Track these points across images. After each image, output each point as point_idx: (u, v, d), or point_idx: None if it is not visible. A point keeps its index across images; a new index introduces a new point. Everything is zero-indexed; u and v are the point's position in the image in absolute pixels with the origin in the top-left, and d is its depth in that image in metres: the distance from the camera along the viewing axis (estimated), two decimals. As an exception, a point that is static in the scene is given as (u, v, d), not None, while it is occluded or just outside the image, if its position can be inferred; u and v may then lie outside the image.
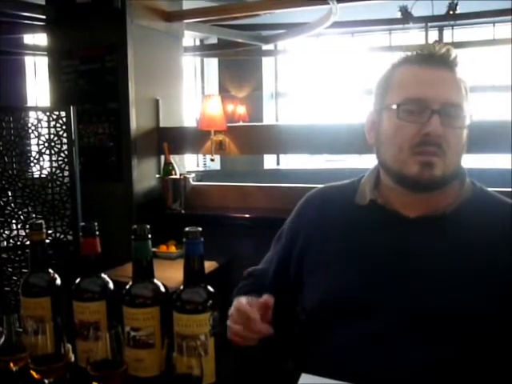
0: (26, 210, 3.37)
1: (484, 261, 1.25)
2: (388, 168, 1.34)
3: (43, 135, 3.37)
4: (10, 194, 3.37)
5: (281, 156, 9.51)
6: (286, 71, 10.75)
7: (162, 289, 1.15)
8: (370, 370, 1.24)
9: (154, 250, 1.16)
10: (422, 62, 1.30)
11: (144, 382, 1.12)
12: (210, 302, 1.08)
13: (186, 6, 4.38)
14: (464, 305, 1.22)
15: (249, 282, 1.59)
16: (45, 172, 3.42)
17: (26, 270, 3.29)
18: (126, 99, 3.67)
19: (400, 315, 1.25)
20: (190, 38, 8.22)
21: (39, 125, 3.37)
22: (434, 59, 1.29)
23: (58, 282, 1.29)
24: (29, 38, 7.12)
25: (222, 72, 10.13)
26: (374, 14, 7.15)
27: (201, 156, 8.55)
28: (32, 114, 3.41)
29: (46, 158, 3.40)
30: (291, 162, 9.49)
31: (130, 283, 1.14)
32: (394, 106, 1.28)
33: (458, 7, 6.40)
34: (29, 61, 8.21)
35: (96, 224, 1.21)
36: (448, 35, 9.15)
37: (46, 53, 4.08)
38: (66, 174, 3.40)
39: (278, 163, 9.70)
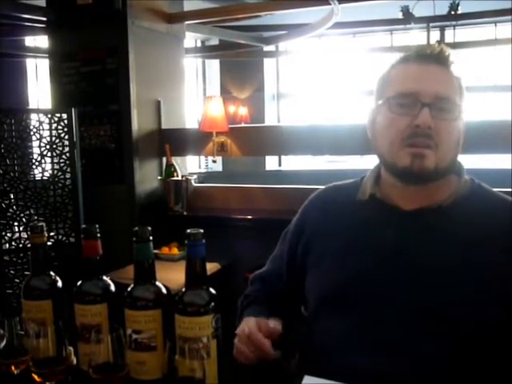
0: (27, 212, 3.37)
1: (478, 255, 1.27)
2: (384, 161, 1.38)
3: (45, 137, 3.38)
4: (11, 196, 3.37)
5: (282, 157, 9.50)
6: (287, 72, 10.75)
7: (164, 291, 1.14)
8: (360, 362, 1.27)
9: (155, 251, 1.16)
10: (416, 59, 1.34)
11: (146, 385, 1.11)
12: (212, 304, 1.07)
13: (187, 7, 4.37)
14: (456, 298, 1.24)
15: (255, 288, 1.61)
16: (46, 174, 3.43)
17: (27, 273, 3.28)
18: (128, 101, 3.66)
19: (396, 307, 1.27)
20: (191, 39, 8.23)
21: (41, 127, 3.37)
22: (428, 57, 1.34)
23: (60, 284, 1.29)
24: (30, 41, 7.13)
25: (224, 73, 10.14)
26: (376, 14, 7.14)
27: (203, 157, 8.56)
28: (33, 117, 3.42)
29: (48, 160, 3.40)
30: (293, 163, 9.48)
31: (132, 285, 1.13)
32: (388, 100, 1.33)
33: (459, 7, 6.39)
34: (30, 63, 8.22)
35: (97, 226, 1.20)
36: (450, 35, 9.14)
37: (47, 55, 4.08)
38: (68, 176, 3.40)
39: (279, 164, 9.70)
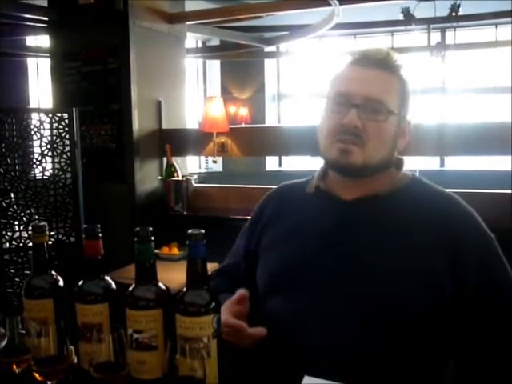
0: (28, 211, 3.37)
1: (409, 240, 1.35)
2: (321, 155, 1.49)
3: (46, 137, 3.38)
4: (12, 195, 3.38)
5: (283, 157, 9.51)
6: (288, 73, 10.75)
7: (165, 291, 1.14)
8: (304, 344, 1.33)
9: (156, 251, 1.16)
10: (361, 62, 1.42)
11: (146, 385, 1.11)
12: (213, 304, 1.07)
13: (189, 7, 4.38)
14: (387, 281, 1.32)
15: (215, 281, 1.66)
16: (47, 173, 3.43)
17: (28, 272, 3.29)
18: (129, 101, 3.67)
19: (332, 291, 1.35)
20: (192, 39, 8.23)
21: (42, 126, 3.38)
22: (370, 60, 1.41)
23: (61, 283, 1.29)
24: (31, 40, 7.14)
25: (225, 74, 10.14)
26: (377, 15, 7.14)
27: (203, 158, 8.57)
28: (34, 116, 3.42)
29: (49, 159, 3.41)
30: (293, 163, 9.48)
31: (133, 285, 1.14)
32: (328, 99, 1.45)
33: (460, 9, 6.40)
34: (31, 62, 8.23)
35: (99, 226, 1.21)
36: (450, 37, 9.15)
37: (48, 54, 4.09)
38: (69, 175, 3.41)
39: (280, 165, 9.71)
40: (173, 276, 2.36)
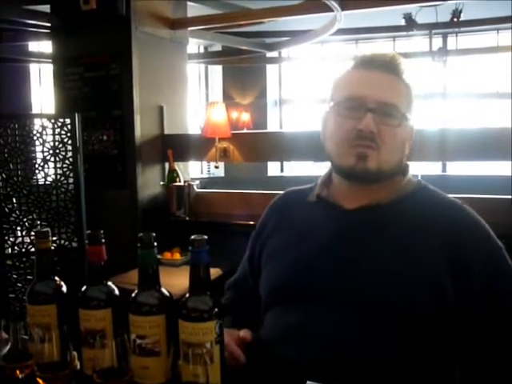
0: (30, 217, 3.38)
1: (414, 250, 1.33)
2: (332, 161, 1.46)
3: (48, 142, 3.39)
4: (14, 200, 3.38)
5: (284, 163, 9.51)
6: (290, 78, 10.76)
7: (168, 296, 1.15)
8: (300, 355, 1.31)
9: (158, 257, 1.16)
10: (365, 66, 1.39)
11: (150, 390, 1.11)
12: (216, 310, 1.08)
13: (191, 13, 4.39)
14: (389, 288, 1.30)
15: (227, 296, 1.68)
16: (49, 179, 3.44)
17: (30, 277, 3.29)
18: (131, 106, 3.68)
19: (335, 301, 1.33)
20: (194, 45, 8.24)
21: (44, 132, 3.38)
22: (377, 64, 1.38)
23: (64, 289, 1.29)
24: (34, 46, 7.16)
25: (226, 79, 10.15)
26: (378, 21, 7.15)
27: (205, 163, 8.56)
28: (37, 121, 3.43)
29: (51, 165, 3.41)
30: (295, 169, 9.48)
31: (136, 291, 1.14)
32: (337, 104, 1.41)
33: (461, 14, 6.40)
34: (34, 68, 8.24)
35: (102, 232, 1.21)
36: (452, 42, 9.15)
37: (50, 60, 4.10)
38: (71, 181, 3.41)
39: (281, 170, 9.70)
40: (175, 281, 2.36)
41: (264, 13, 4.44)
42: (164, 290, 1.15)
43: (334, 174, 1.49)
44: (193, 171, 4.74)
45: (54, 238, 3.38)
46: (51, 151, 3.39)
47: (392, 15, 6.58)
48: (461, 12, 6.37)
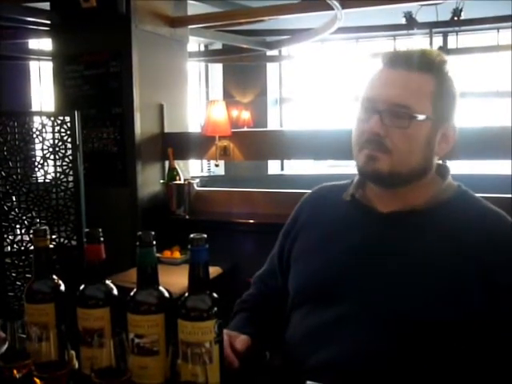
0: (30, 214, 3.37)
1: (445, 262, 1.27)
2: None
3: (47, 140, 3.39)
4: (14, 198, 3.38)
5: (285, 161, 9.51)
6: (290, 77, 10.75)
7: (167, 296, 1.14)
8: (322, 356, 1.29)
9: (157, 255, 1.15)
10: (389, 64, 1.34)
11: (148, 390, 1.11)
12: (215, 309, 1.07)
13: (191, 11, 4.38)
14: (418, 300, 1.26)
15: (252, 290, 1.64)
16: (49, 177, 3.43)
17: (29, 275, 3.29)
18: (131, 104, 3.67)
19: (361, 306, 1.29)
20: (194, 43, 8.23)
21: (44, 130, 3.38)
22: (398, 61, 1.33)
23: (63, 288, 1.28)
24: (34, 43, 7.14)
25: (227, 77, 10.14)
26: (379, 19, 7.15)
27: (205, 161, 8.57)
28: (36, 119, 3.43)
29: (51, 162, 3.41)
30: (295, 167, 9.48)
31: (135, 290, 1.13)
32: (359, 105, 1.37)
33: (462, 13, 6.40)
34: (33, 66, 8.23)
35: (100, 230, 1.20)
36: (452, 41, 9.14)
37: (50, 58, 4.09)
38: (71, 179, 3.41)
39: (282, 168, 9.70)
40: (175, 280, 2.36)
41: (264, 11, 4.44)
42: (163, 289, 1.14)
43: None
44: (193, 169, 4.73)
45: (54, 237, 3.37)
46: (51, 149, 3.39)
47: (392, 14, 6.58)
48: (461, 11, 6.37)
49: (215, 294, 1.10)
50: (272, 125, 10.17)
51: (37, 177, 3.44)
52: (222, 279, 3.30)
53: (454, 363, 1.26)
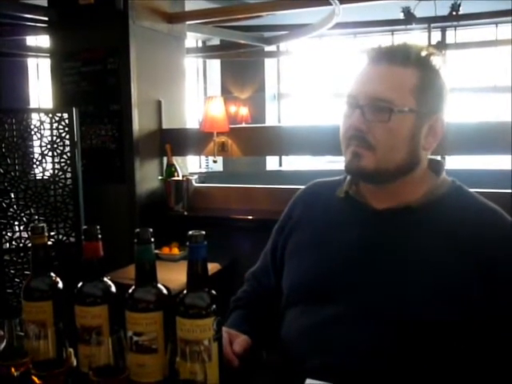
0: (28, 211, 3.37)
1: (443, 259, 1.26)
2: None
3: (46, 137, 3.38)
4: (12, 195, 3.37)
5: (283, 157, 9.50)
6: (288, 72, 10.74)
7: (165, 293, 1.13)
8: (314, 355, 1.29)
9: (156, 251, 1.14)
10: (372, 59, 1.33)
11: (147, 388, 1.10)
12: (214, 306, 1.06)
13: (188, 7, 4.37)
14: (414, 298, 1.25)
15: (246, 287, 1.64)
16: (47, 174, 3.43)
17: (28, 272, 3.28)
18: (129, 101, 3.66)
19: (357, 305, 1.29)
20: (192, 39, 8.21)
21: (42, 126, 3.37)
22: (380, 56, 1.32)
23: (60, 285, 1.28)
24: (31, 40, 7.13)
25: (225, 73, 10.13)
26: (377, 15, 7.14)
27: (203, 157, 8.56)
28: (34, 116, 3.42)
29: (49, 159, 3.40)
30: (293, 163, 9.48)
31: (133, 287, 1.13)
32: (342, 101, 1.36)
33: (460, 8, 6.39)
34: (31, 62, 8.21)
35: (98, 227, 1.19)
36: (451, 36, 9.14)
37: (48, 54, 4.08)
38: (69, 175, 3.41)
39: (280, 164, 9.70)
40: (173, 276, 2.36)
41: (262, 6, 4.42)
42: (161, 287, 1.13)
43: None
44: (191, 166, 4.73)
45: (52, 233, 3.37)
46: (49, 146, 3.38)
47: (390, 9, 6.58)
48: (459, 5, 6.37)
49: (214, 292, 1.10)
50: (270, 121, 10.17)
51: (35, 174, 3.43)
52: (221, 276, 3.30)
53: (453, 362, 1.25)
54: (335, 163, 8.36)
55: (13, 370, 1.10)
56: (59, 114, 3.39)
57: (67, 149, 3.39)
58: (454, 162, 8.26)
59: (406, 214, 1.32)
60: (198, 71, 10.13)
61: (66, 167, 3.41)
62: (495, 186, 3.05)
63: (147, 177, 3.84)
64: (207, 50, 8.36)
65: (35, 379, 1.07)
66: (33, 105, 8.08)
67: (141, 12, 3.74)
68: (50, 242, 1.28)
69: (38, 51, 6.55)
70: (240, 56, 7.78)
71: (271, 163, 9.32)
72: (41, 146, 3.38)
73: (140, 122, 3.74)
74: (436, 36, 8.68)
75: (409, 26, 6.85)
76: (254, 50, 6.84)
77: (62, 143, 3.39)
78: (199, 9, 4.48)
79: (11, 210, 3.35)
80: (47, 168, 3.42)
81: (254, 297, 1.58)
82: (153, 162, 3.92)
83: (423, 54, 1.32)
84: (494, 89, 9.23)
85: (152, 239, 1.12)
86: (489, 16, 7.14)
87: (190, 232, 1.08)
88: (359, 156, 1.30)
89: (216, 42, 8.73)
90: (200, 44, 9.18)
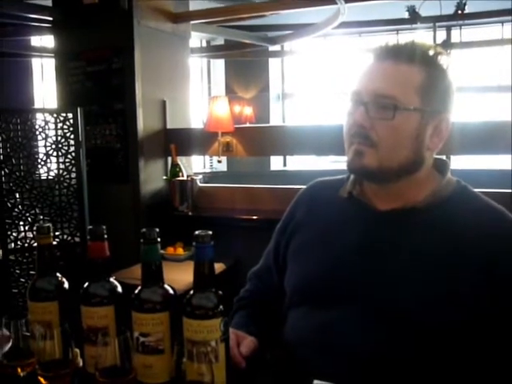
0: (33, 211, 3.37)
1: (447, 261, 1.25)
2: None
3: (50, 137, 3.38)
4: (17, 195, 3.37)
5: (287, 157, 9.48)
6: (292, 72, 10.73)
7: (172, 293, 1.13)
8: (319, 357, 1.28)
9: (161, 252, 1.14)
10: (378, 56, 1.32)
11: (153, 389, 1.10)
12: (221, 307, 1.06)
13: (193, 7, 4.37)
14: (416, 300, 1.23)
15: (249, 287, 1.63)
16: (52, 174, 3.43)
17: (33, 272, 3.29)
18: (133, 100, 3.66)
19: (361, 305, 1.28)
20: (196, 39, 8.21)
21: (46, 126, 3.38)
22: (386, 53, 1.30)
23: (66, 286, 1.28)
24: (36, 40, 7.14)
25: (229, 73, 10.12)
26: (382, 14, 7.12)
27: (208, 157, 8.55)
28: (39, 116, 3.43)
29: (54, 159, 3.41)
30: (298, 163, 9.46)
31: (139, 288, 1.12)
32: (346, 98, 1.34)
33: (466, 7, 6.36)
34: (36, 63, 8.22)
35: (104, 227, 1.19)
36: (456, 35, 9.11)
37: (53, 54, 4.08)
38: (73, 175, 3.41)
39: (284, 164, 9.69)
40: (178, 276, 2.35)
41: (266, 6, 4.42)
42: (167, 287, 1.13)
43: None
44: (196, 166, 4.72)
45: (57, 233, 3.37)
46: (54, 146, 3.38)
47: (395, 8, 6.56)
48: (465, 4, 6.33)
49: (221, 292, 1.09)
50: (274, 120, 10.15)
51: (40, 173, 3.44)
52: (226, 276, 3.29)
53: (458, 363, 1.24)
54: (340, 163, 8.36)
55: (19, 370, 1.10)
56: (64, 114, 3.40)
57: (72, 149, 3.39)
58: (454, 162, 8.26)
59: (410, 215, 1.31)
60: (203, 71, 10.12)
61: (70, 167, 3.41)
62: (496, 186, 3.04)
63: (152, 177, 3.84)
64: (211, 50, 8.35)
65: (41, 380, 1.07)
66: (37, 105, 8.09)
67: (145, 12, 3.74)
68: (54, 242, 1.27)
69: (42, 51, 6.56)
70: (244, 56, 7.77)
71: (275, 163, 9.31)
72: (45, 146, 3.38)
73: (144, 122, 3.74)
74: (441, 35, 8.65)
75: (414, 25, 6.82)
76: (258, 49, 6.84)
77: (66, 143, 3.39)
78: (203, 8, 4.48)
79: (16, 210, 3.35)
80: (52, 168, 3.42)
81: (257, 296, 1.58)
82: (157, 161, 3.92)
83: (431, 53, 1.30)
84: (498, 88, 9.19)
85: (158, 239, 1.11)
86: (494, 15, 7.11)
87: (197, 232, 1.07)
88: (362, 154, 1.28)
89: (220, 41, 8.72)
90: (204, 44, 9.17)
